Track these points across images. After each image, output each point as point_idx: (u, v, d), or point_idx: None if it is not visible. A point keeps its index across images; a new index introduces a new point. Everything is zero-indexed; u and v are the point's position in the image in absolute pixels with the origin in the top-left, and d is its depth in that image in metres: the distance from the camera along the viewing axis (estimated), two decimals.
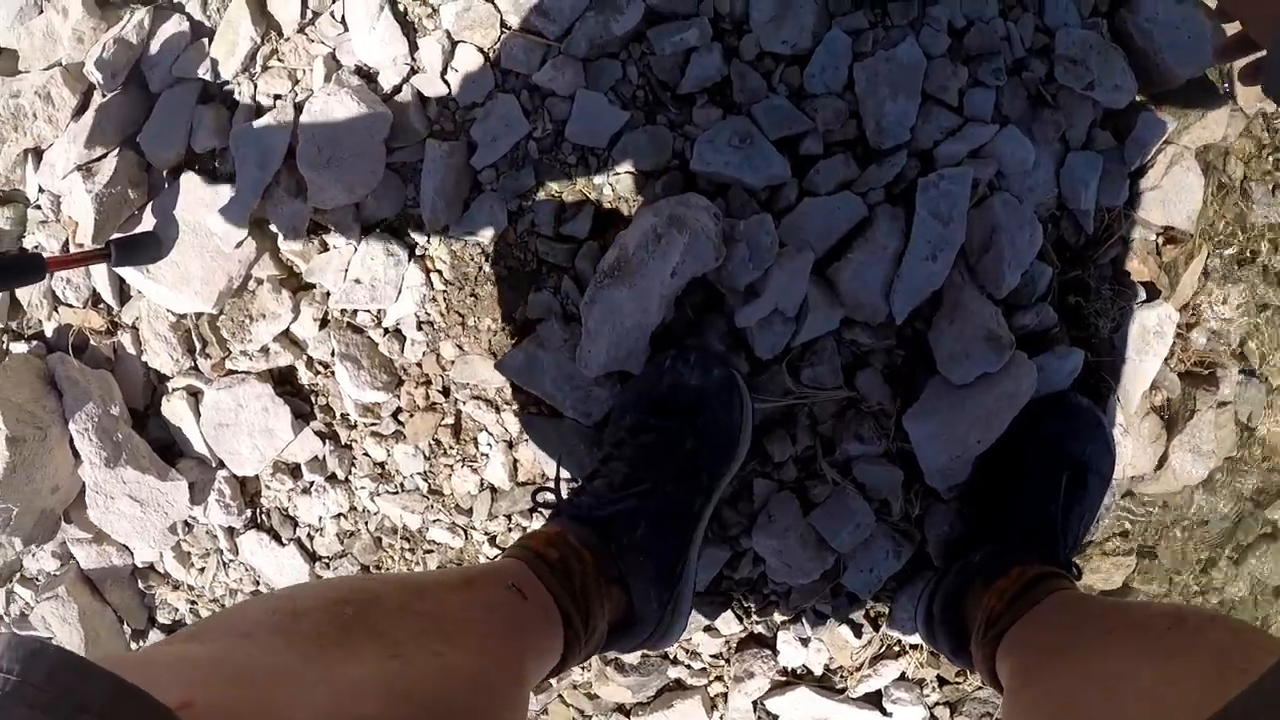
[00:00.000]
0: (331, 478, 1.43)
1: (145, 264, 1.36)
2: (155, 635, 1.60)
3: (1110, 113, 1.32)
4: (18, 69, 1.45)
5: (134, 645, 1.60)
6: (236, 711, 0.54)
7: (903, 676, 1.44)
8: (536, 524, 1.36)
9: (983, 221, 1.24)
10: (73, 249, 1.42)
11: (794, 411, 1.29)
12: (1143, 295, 1.36)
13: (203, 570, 1.53)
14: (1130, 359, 1.35)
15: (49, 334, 1.49)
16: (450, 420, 1.36)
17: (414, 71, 1.29)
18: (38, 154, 1.44)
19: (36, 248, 1.46)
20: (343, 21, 1.30)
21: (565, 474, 1.29)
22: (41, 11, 1.41)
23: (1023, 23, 1.28)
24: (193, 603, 1.56)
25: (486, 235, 1.28)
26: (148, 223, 1.38)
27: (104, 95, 1.39)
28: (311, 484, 1.44)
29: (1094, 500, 1.30)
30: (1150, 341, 1.35)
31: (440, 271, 1.31)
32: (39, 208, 1.46)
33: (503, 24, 1.26)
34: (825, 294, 1.24)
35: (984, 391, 1.25)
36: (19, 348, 1.48)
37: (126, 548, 1.53)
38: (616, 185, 1.26)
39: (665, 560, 1.13)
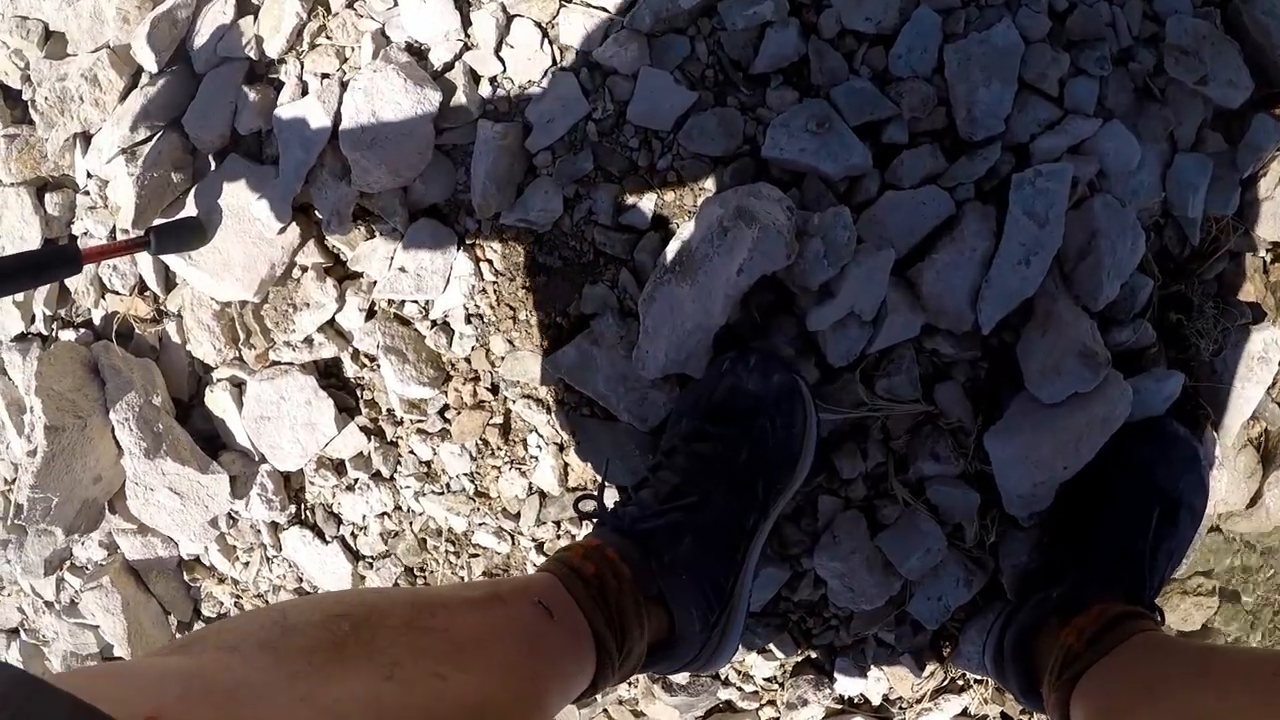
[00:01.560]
0: (376, 475, 1.18)
1: (188, 251, 1.12)
2: (200, 628, 1.36)
3: (1221, 113, 1.04)
4: (67, 52, 1.22)
5: (179, 636, 1.36)
6: None
7: (965, 712, 1.16)
8: (585, 533, 1.10)
9: (1081, 225, 0.97)
10: (119, 235, 1.19)
11: (865, 424, 1.02)
12: (1249, 316, 1.07)
13: (247, 565, 1.29)
14: (1231, 385, 1.06)
15: (96, 322, 1.26)
16: (499, 419, 1.11)
17: (467, 48, 1.04)
18: (85, 138, 1.20)
19: (85, 234, 1.23)
20: None
21: (613, 482, 1.04)
22: None
23: (1130, 8, 1.00)
24: (237, 597, 1.32)
25: (540, 223, 1.02)
26: (191, 208, 1.14)
27: (150, 77, 1.15)
28: (356, 481, 1.19)
29: (1184, 538, 1.03)
30: (1254, 368, 1.07)
31: (490, 261, 1.06)
32: (87, 193, 1.23)
33: None
34: (906, 297, 0.97)
35: (1075, 412, 0.97)
36: (67, 335, 1.26)
37: (171, 539, 1.29)
38: (682, 171, 0.99)
39: (712, 579, 0.90)
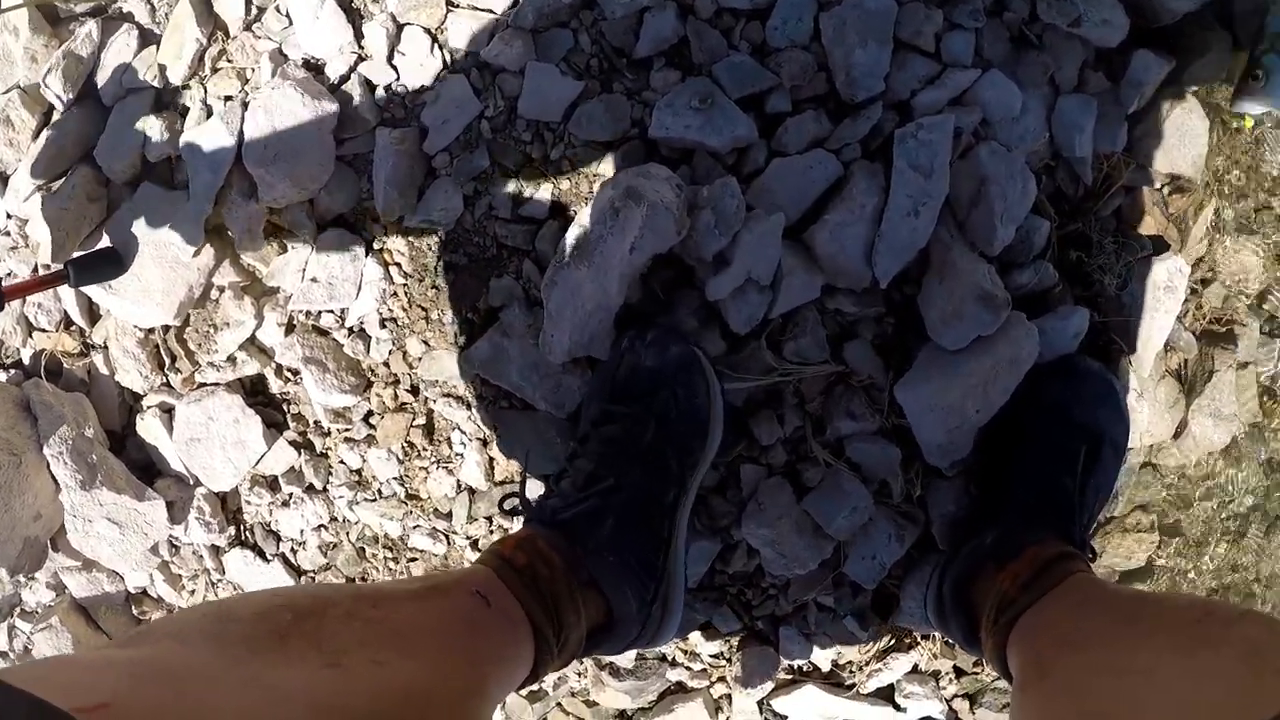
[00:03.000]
0: (309, 488, 1.24)
1: (107, 281, 1.19)
2: (143, 624, 1.41)
3: (1102, 53, 1.11)
4: None
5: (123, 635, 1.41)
6: (155, 711, 0.49)
7: (915, 669, 1.22)
8: (517, 526, 1.16)
9: (969, 173, 1.03)
10: (40, 272, 1.26)
11: (779, 390, 1.08)
12: (1150, 248, 1.13)
13: (193, 592, 1.34)
14: (1140, 317, 1.13)
15: (25, 360, 1.32)
16: (422, 420, 1.17)
17: (361, 59, 1.11)
18: (2, 179, 1.28)
19: (9, 274, 1.30)
20: (287, 15, 1.13)
21: (536, 472, 1.11)
22: None
23: None
24: None
25: (443, 222, 1.09)
26: (108, 238, 1.21)
27: (60, 113, 1.22)
28: (290, 496, 1.25)
29: (1109, 471, 1.09)
30: (1161, 298, 1.13)
31: (399, 264, 1.13)
32: (8, 234, 1.30)
33: (448, 1, 1.08)
34: (802, 260, 1.04)
35: (980, 355, 1.04)
36: None
37: (117, 573, 1.35)
38: (575, 160, 1.06)
39: (640, 557, 0.95)
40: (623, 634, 0.95)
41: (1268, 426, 1.20)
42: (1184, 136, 1.14)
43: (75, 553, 1.31)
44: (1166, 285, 1.13)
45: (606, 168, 1.06)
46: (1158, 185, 1.15)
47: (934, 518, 1.13)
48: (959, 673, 1.23)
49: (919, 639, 1.21)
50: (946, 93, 1.04)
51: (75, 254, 1.21)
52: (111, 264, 1.18)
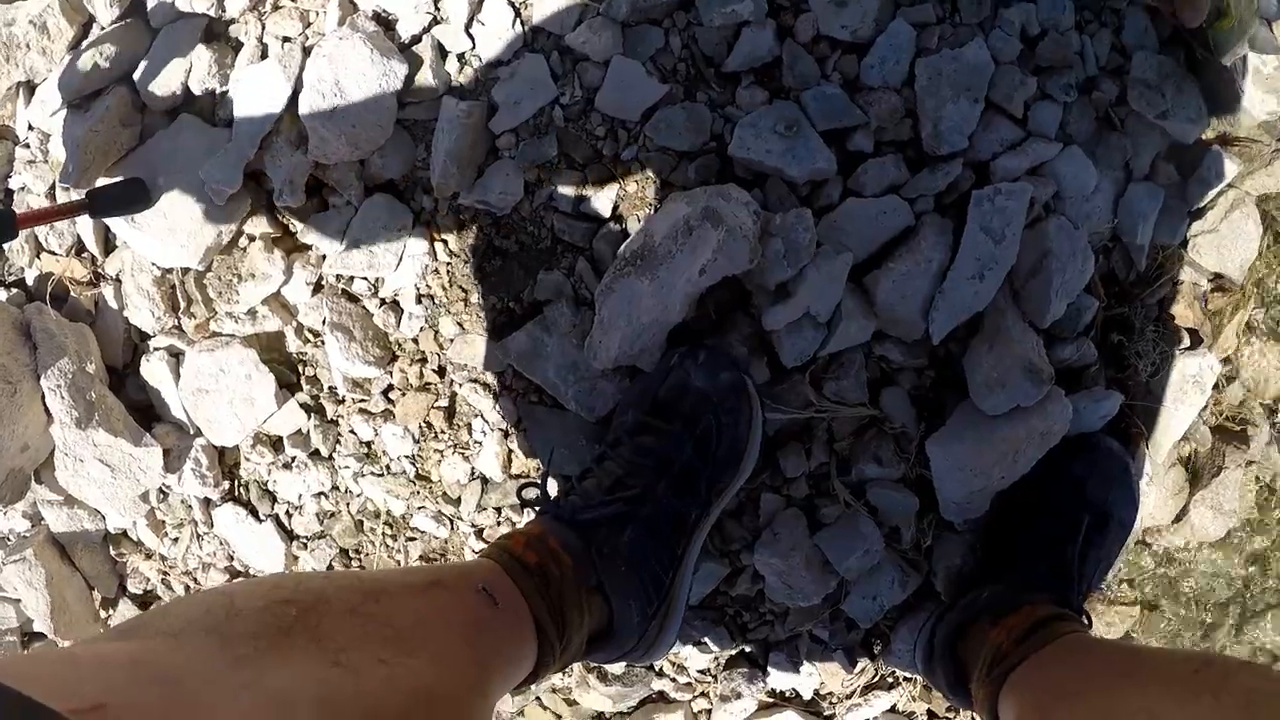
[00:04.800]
0: (314, 454, 1.13)
1: (130, 215, 1.05)
2: (125, 604, 1.28)
3: (1175, 146, 1.04)
4: None
5: (103, 614, 1.28)
6: (153, 713, 0.44)
7: (893, 709, 1.16)
8: (527, 520, 1.06)
9: (1034, 244, 0.96)
10: (58, 193, 1.11)
11: (812, 425, 1.01)
12: (1185, 342, 1.07)
13: (176, 540, 1.22)
14: (1165, 406, 1.08)
15: (30, 282, 1.18)
16: (444, 402, 1.07)
17: (436, 21, 0.99)
18: (30, 88, 1.13)
19: (22, 189, 1.16)
20: None
21: (557, 470, 1.02)
22: None
23: (1099, 39, 1.00)
24: (164, 573, 1.26)
25: (499, 206, 0.98)
26: (136, 168, 1.07)
27: (102, 27, 1.08)
28: (293, 459, 1.14)
29: (1112, 548, 1.05)
30: (1188, 390, 1.08)
31: (445, 241, 1.02)
32: (27, 146, 1.15)
33: None
34: (860, 303, 0.96)
35: (1016, 425, 0.97)
36: None
37: (99, 512, 1.22)
38: (646, 164, 0.96)
39: (651, 572, 0.88)
40: (619, 644, 0.89)
41: (1259, 523, 1.15)
42: (1237, 239, 1.08)
43: (60, 488, 1.17)
44: (1195, 379, 1.07)
45: (678, 178, 0.96)
46: (1202, 282, 1.09)
47: (938, 569, 1.07)
48: (932, 716, 1.17)
49: (901, 679, 1.15)
50: (1026, 161, 0.96)
51: (101, 181, 1.07)
52: (137, 197, 1.05)
